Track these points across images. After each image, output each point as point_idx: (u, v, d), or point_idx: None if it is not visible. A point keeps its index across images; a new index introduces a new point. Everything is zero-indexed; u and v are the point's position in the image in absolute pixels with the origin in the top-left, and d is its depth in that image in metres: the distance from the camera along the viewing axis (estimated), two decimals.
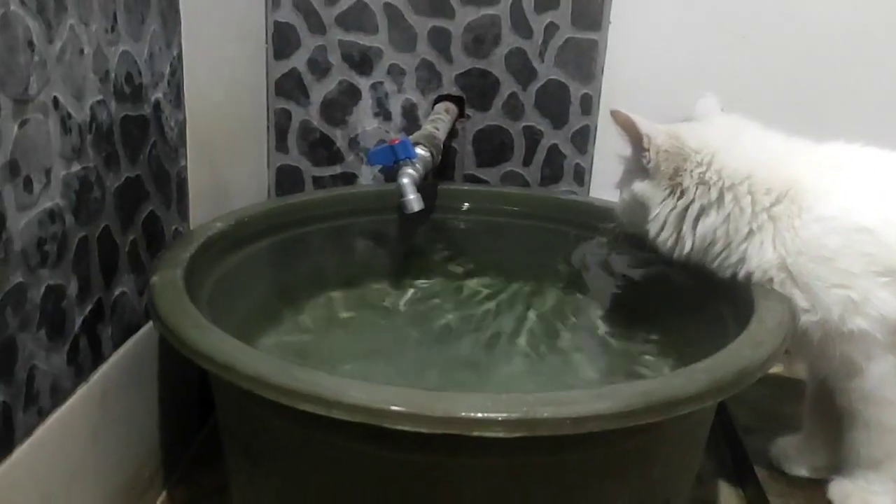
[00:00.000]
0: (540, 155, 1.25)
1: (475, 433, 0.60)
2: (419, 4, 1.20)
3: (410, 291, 1.11)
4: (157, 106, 0.87)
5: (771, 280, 0.85)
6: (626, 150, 0.93)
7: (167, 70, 0.88)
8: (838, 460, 0.90)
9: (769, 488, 0.93)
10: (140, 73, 0.82)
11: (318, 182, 1.29)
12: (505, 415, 0.60)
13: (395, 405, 0.60)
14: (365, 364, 0.93)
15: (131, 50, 0.80)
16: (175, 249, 0.86)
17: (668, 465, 0.75)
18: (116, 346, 0.81)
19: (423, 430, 0.60)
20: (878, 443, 0.85)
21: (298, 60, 1.24)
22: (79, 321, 0.74)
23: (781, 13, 1.16)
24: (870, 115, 1.16)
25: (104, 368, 0.79)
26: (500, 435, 0.60)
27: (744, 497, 0.99)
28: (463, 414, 0.60)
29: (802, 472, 0.94)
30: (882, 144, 0.88)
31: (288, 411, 0.63)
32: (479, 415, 0.60)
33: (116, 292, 0.81)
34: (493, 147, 1.26)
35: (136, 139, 0.83)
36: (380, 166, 1.22)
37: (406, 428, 0.60)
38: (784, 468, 0.95)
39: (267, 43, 1.23)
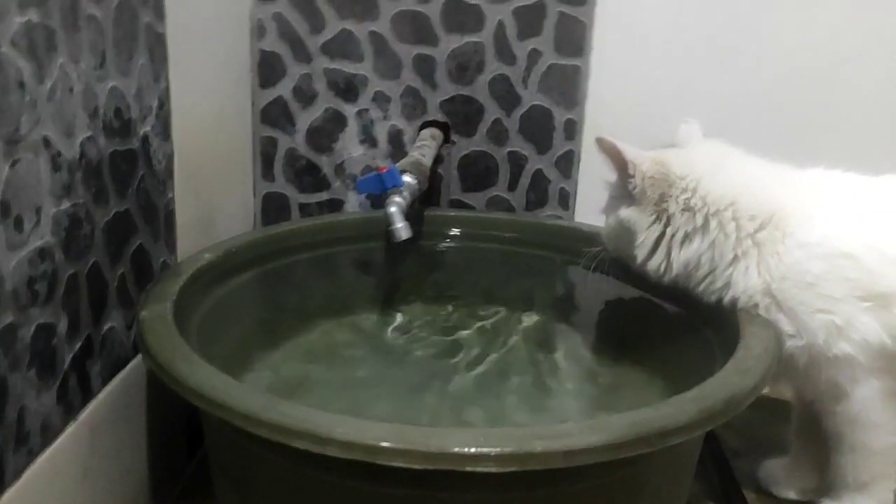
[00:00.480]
0: (525, 180, 1.27)
1: (468, 468, 0.60)
2: (403, 32, 1.21)
3: (398, 319, 1.11)
4: (145, 140, 0.87)
5: (756, 305, 0.86)
6: (611, 175, 0.94)
7: (155, 104, 0.89)
8: (826, 483, 0.90)
9: None
10: (129, 108, 0.83)
11: (305, 209, 1.29)
12: (497, 449, 0.60)
13: (388, 441, 0.60)
14: (354, 394, 0.93)
15: (120, 85, 0.80)
16: (163, 282, 0.86)
17: (658, 494, 0.75)
18: (105, 381, 0.81)
19: (416, 466, 0.60)
20: (864, 465, 0.86)
21: (284, 88, 1.25)
22: (68, 359, 0.74)
23: (762, 38, 1.18)
24: (851, 139, 1.18)
25: (93, 405, 0.78)
26: (493, 470, 0.60)
27: None
28: (455, 449, 0.60)
29: (791, 494, 0.95)
30: (862, 167, 0.89)
31: (280, 447, 0.63)
32: (472, 450, 0.60)
33: (105, 328, 0.81)
34: (478, 172, 1.27)
35: (125, 174, 0.83)
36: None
37: (399, 464, 0.60)
38: (772, 491, 0.96)
39: (252, 72, 1.24)
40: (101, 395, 0.80)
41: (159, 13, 0.89)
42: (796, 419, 0.96)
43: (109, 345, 0.82)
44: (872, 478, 0.87)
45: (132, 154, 0.84)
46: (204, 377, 0.69)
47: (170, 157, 0.94)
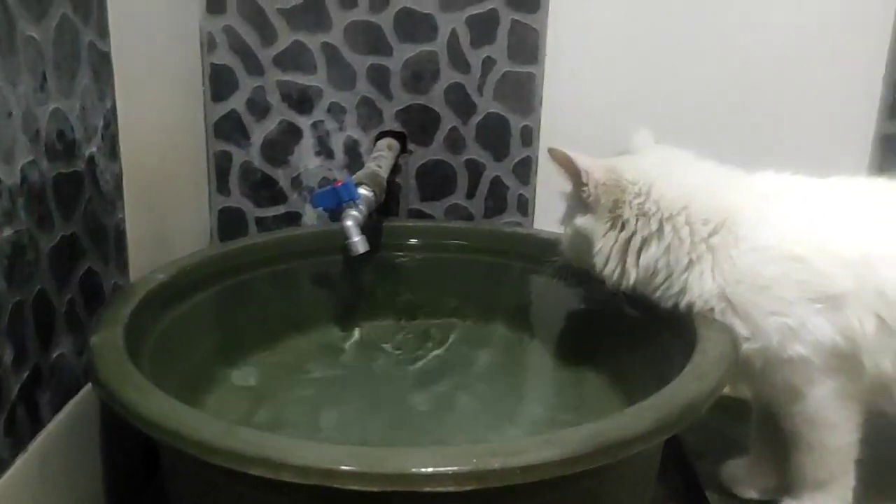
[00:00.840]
0: (483, 187, 1.26)
1: (426, 489, 0.59)
2: (356, 43, 1.20)
3: (358, 334, 1.10)
4: (91, 160, 0.85)
5: (712, 309, 0.86)
6: (567, 185, 0.94)
7: (101, 123, 0.87)
8: (786, 481, 0.91)
9: None
10: (72, 130, 0.81)
11: (262, 223, 1.28)
12: (455, 468, 0.60)
13: (344, 464, 0.60)
14: (316, 414, 0.92)
15: (62, 107, 0.78)
16: (114, 306, 0.85)
17: (620, 502, 0.75)
18: (55, 410, 0.79)
19: (374, 488, 0.59)
20: (822, 464, 0.87)
21: (237, 102, 1.23)
22: (15, 389, 0.72)
23: (712, 42, 1.19)
24: (799, 141, 1.19)
25: (43, 435, 0.76)
26: (451, 489, 0.60)
27: None
28: (413, 470, 0.60)
29: (752, 494, 0.96)
30: (811, 169, 0.90)
31: (236, 474, 0.62)
32: (429, 469, 0.60)
33: (54, 355, 0.79)
34: (436, 181, 1.26)
35: (71, 196, 0.81)
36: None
37: (356, 487, 0.59)
38: (734, 491, 0.97)
39: (204, 85, 1.22)
40: (52, 425, 0.78)
41: (103, 31, 0.87)
42: (756, 419, 0.97)
43: (59, 372, 0.80)
44: (831, 476, 0.88)
45: (78, 176, 0.82)
46: (155, 405, 0.67)
47: (118, 177, 0.92)
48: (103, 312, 0.84)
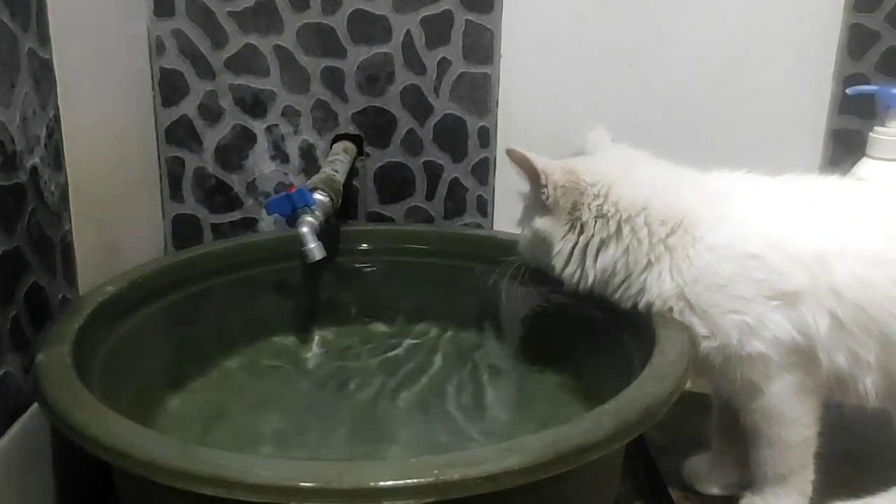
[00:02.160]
0: (442, 189, 1.26)
1: (386, 503, 0.58)
2: (310, 45, 1.19)
3: (318, 342, 1.08)
4: (33, 172, 0.82)
5: (671, 309, 0.86)
6: (525, 186, 0.93)
7: (43, 133, 0.84)
8: (747, 477, 0.92)
9: None
10: (13, 140, 0.78)
11: (217, 229, 1.26)
12: (415, 481, 0.59)
13: (302, 481, 0.58)
14: (277, 427, 0.90)
15: (1, 117, 0.76)
16: (62, 321, 0.82)
17: None
18: (1, 431, 0.77)
19: None
20: (782, 459, 0.88)
21: (188, 107, 1.21)
22: None
23: (663, 41, 1.19)
24: (751, 136, 1.20)
25: None
26: (412, 502, 0.59)
27: None
28: (371, 484, 0.58)
29: (714, 490, 0.96)
30: (763, 164, 0.91)
31: (191, 495, 0.60)
32: (389, 483, 0.59)
33: None
34: (394, 183, 1.25)
35: (12, 210, 0.78)
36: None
37: None
38: (696, 487, 0.97)
39: (153, 90, 1.19)
40: None
41: (43, 38, 0.84)
42: (716, 416, 0.97)
43: (5, 392, 0.77)
44: (790, 470, 0.88)
45: (19, 188, 0.80)
46: (104, 426, 0.65)
47: (63, 188, 0.89)
48: (50, 328, 0.81)
